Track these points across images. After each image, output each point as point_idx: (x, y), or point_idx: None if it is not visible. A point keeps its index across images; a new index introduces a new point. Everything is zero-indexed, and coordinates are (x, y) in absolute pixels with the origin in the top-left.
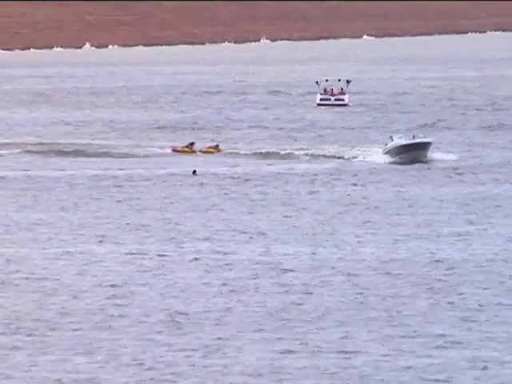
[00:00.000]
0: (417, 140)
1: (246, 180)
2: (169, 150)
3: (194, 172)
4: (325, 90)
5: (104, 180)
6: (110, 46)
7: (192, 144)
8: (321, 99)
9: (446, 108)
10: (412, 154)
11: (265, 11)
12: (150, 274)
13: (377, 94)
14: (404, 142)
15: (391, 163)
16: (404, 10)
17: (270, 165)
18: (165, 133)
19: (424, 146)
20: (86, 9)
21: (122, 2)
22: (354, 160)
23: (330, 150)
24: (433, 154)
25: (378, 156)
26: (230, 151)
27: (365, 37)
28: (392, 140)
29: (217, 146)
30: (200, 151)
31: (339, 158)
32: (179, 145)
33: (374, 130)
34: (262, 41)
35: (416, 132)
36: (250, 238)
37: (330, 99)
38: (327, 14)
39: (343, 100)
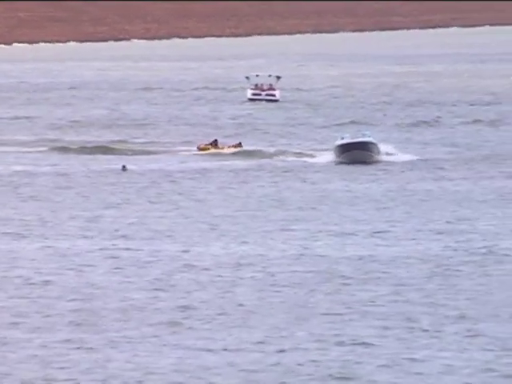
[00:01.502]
0: (355, 139)
1: (173, 177)
2: (194, 149)
3: (124, 167)
4: (256, 86)
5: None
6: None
7: (215, 141)
8: (252, 94)
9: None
10: (352, 153)
11: (198, 9)
12: (60, 271)
13: (308, 90)
14: (342, 141)
15: (332, 162)
16: (337, 8)
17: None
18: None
19: (363, 146)
20: (18, 6)
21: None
22: (289, 158)
23: (267, 146)
24: (381, 154)
25: (322, 155)
26: (252, 149)
27: (297, 34)
28: (342, 139)
29: (240, 143)
30: (223, 148)
31: (276, 155)
32: (202, 143)
33: (308, 126)
34: (191, 38)
35: (364, 131)
36: (169, 235)
37: (260, 94)
38: (259, 11)
39: (274, 95)
